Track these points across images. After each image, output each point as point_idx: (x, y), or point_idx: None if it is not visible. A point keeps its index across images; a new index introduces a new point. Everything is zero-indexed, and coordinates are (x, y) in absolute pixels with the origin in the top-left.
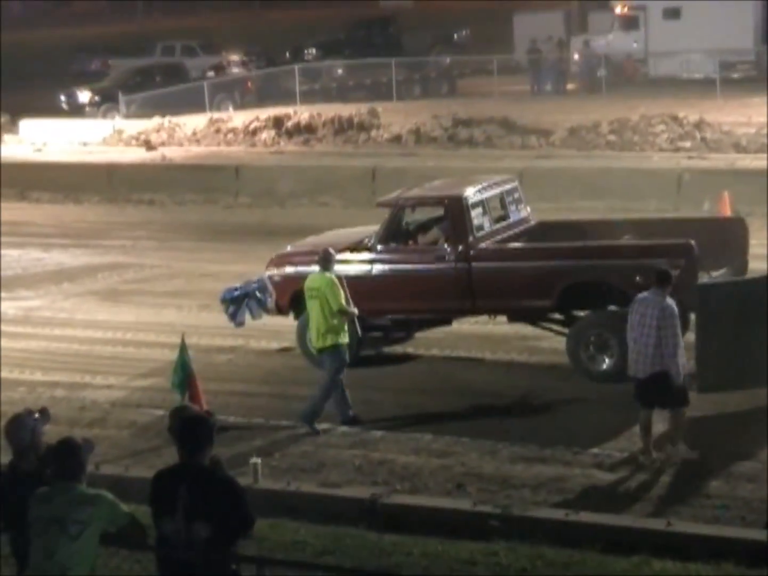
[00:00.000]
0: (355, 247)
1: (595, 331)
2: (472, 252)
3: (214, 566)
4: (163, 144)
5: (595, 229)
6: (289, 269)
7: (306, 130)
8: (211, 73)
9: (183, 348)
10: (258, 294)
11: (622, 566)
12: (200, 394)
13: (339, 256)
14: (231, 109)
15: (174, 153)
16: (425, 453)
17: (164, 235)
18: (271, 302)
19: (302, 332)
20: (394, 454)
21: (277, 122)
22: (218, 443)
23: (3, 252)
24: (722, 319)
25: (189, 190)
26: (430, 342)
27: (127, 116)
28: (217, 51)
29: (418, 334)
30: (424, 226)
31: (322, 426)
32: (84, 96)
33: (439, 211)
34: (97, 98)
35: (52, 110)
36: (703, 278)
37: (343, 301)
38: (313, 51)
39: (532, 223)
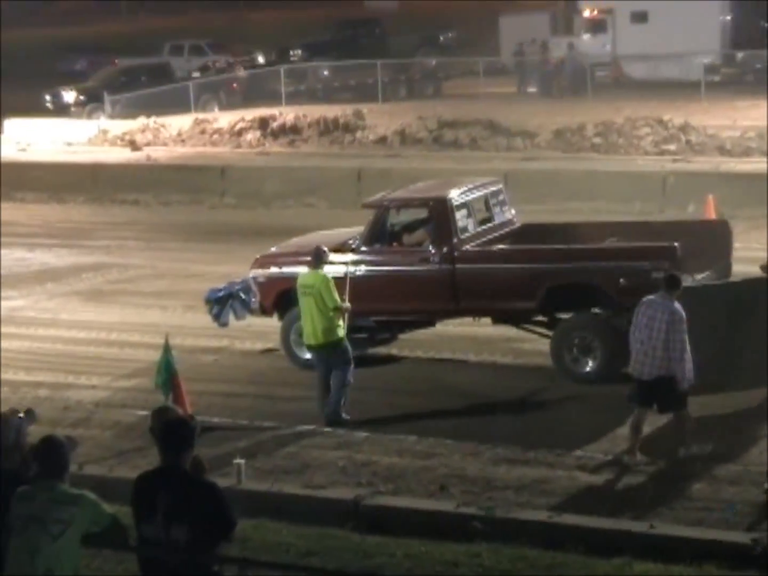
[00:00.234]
0: (340, 248)
1: (579, 334)
2: (456, 254)
3: (196, 568)
4: (148, 144)
5: (580, 231)
6: (274, 270)
7: (291, 131)
8: (196, 74)
9: (167, 348)
10: (242, 295)
11: (605, 568)
12: (184, 394)
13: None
14: (216, 109)
15: (159, 153)
16: (409, 454)
17: (149, 236)
18: (255, 303)
19: (286, 333)
20: (377, 456)
21: (263, 123)
22: (202, 444)
23: None
24: (708, 322)
25: (174, 191)
26: (415, 343)
27: (113, 116)
28: (225, 50)
29: (403, 336)
30: (409, 228)
31: (306, 427)
32: (69, 96)
33: (424, 213)
34: (82, 98)
35: (37, 110)
36: (687, 281)
37: (338, 298)
38: (299, 52)
39: (517, 225)
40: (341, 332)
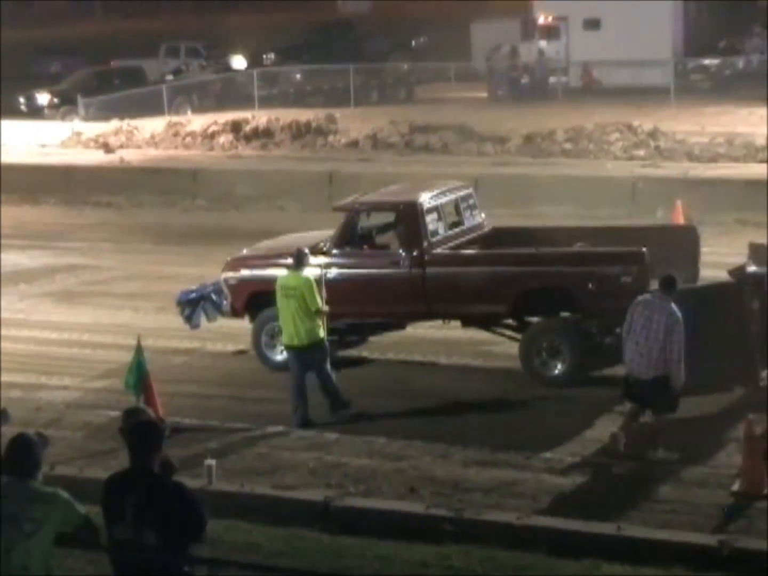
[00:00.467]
0: (312, 250)
1: (548, 337)
2: (426, 257)
3: (166, 568)
4: (121, 147)
5: (549, 236)
6: (245, 272)
7: (264, 134)
8: (170, 77)
9: (139, 349)
10: (214, 297)
11: (573, 569)
12: (155, 395)
13: None
14: (189, 112)
15: (132, 156)
16: (379, 456)
17: (122, 238)
18: (226, 305)
19: (258, 335)
20: (348, 457)
21: (236, 126)
22: (173, 444)
23: None
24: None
25: (147, 193)
26: (385, 346)
27: (86, 119)
28: (222, 52)
29: (373, 338)
30: (380, 231)
31: (277, 428)
32: (43, 98)
33: (395, 216)
34: (56, 100)
35: (10, 112)
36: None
37: (320, 300)
38: (272, 56)
39: (487, 229)
40: (322, 332)
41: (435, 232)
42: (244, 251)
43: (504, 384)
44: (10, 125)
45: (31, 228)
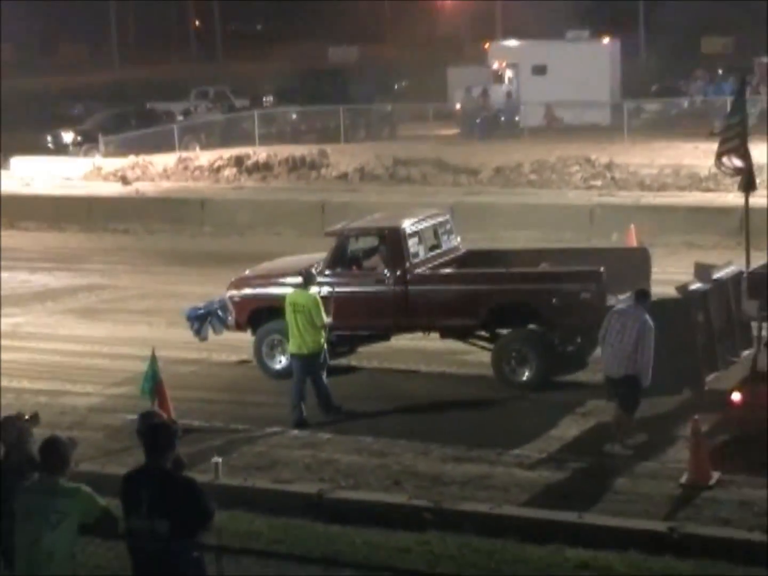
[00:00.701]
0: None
1: (516, 347)
2: (408, 276)
3: (178, 554)
4: (137, 179)
5: (517, 257)
6: (247, 291)
7: (264, 168)
8: (180, 117)
9: (153, 359)
10: (219, 312)
11: (539, 553)
12: (168, 400)
13: (291, 280)
14: (198, 149)
15: (147, 188)
16: (366, 453)
17: (137, 261)
18: (231, 320)
19: (259, 346)
20: (338, 454)
21: (238, 161)
22: (183, 444)
23: None
24: None
25: (159, 221)
26: (371, 355)
27: (106, 155)
28: (247, 95)
29: (361, 349)
30: (367, 254)
31: (275, 429)
32: (68, 137)
33: (380, 241)
34: (79, 139)
35: (39, 149)
36: (611, 300)
37: (325, 315)
38: (271, 98)
39: (462, 251)
40: (324, 343)
41: (416, 254)
42: (247, 272)
43: (478, 389)
44: (38, 161)
45: (56, 252)
